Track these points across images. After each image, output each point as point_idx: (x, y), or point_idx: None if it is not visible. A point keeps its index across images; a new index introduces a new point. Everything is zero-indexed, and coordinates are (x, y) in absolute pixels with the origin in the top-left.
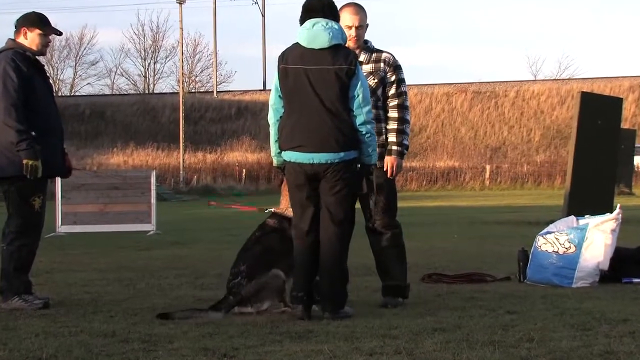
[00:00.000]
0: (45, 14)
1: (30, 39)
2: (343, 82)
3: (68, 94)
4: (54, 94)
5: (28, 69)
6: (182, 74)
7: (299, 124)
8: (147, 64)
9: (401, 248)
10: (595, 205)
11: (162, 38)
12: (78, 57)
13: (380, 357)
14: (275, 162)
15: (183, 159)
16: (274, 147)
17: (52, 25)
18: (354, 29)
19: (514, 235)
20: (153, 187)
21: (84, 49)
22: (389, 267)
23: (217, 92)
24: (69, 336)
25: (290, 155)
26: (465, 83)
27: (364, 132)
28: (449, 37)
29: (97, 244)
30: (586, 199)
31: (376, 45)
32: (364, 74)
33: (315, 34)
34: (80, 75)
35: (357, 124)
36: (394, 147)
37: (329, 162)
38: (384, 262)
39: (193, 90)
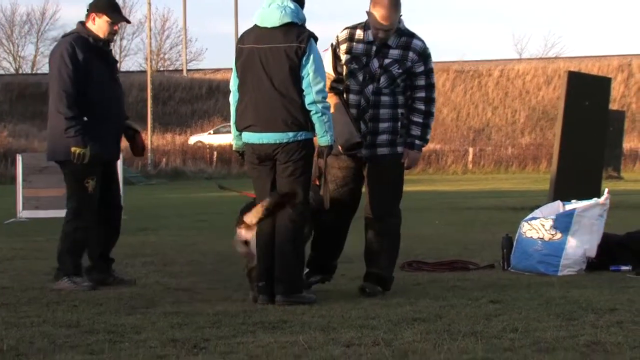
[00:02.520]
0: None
1: (98, 25)
2: (293, 62)
3: (29, 72)
4: (116, 80)
5: (87, 55)
6: (150, 51)
7: (250, 104)
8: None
9: (395, 239)
10: (583, 190)
11: (128, 13)
12: (40, 33)
13: (358, 349)
14: (234, 146)
15: (151, 141)
16: (233, 130)
17: (122, 12)
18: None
19: (497, 221)
20: (120, 170)
21: (47, 24)
22: (377, 256)
23: (187, 70)
24: (31, 327)
25: (243, 136)
26: (447, 62)
27: (314, 112)
28: (430, 14)
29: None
30: (573, 183)
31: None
32: (389, 60)
33: (268, 13)
34: (42, 52)
35: (307, 104)
36: (417, 142)
37: (277, 142)
38: (374, 249)
39: (162, 69)
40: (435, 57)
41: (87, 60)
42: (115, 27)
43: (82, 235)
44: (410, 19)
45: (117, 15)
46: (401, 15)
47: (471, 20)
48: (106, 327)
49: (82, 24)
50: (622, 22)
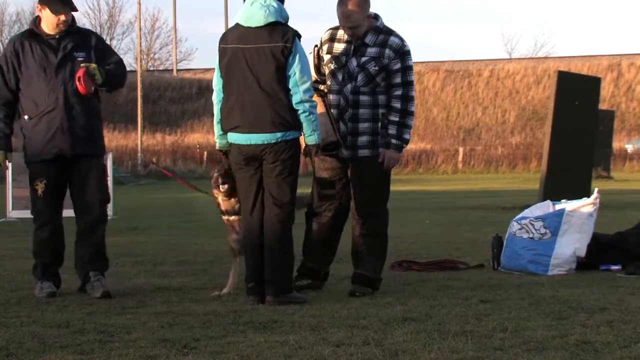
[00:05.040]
0: None
1: (45, 18)
2: (279, 61)
3: None
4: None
5: (22, 50)
6: (140, 51)
7: (236, 105)
8: None
9: (381, 240)
10: (573, 190)
11: (118, 13)
12: None
13: (348, 348)
14: (217, 145)
15: (141, 141)
16: (216, 129)
17: (65, 0)
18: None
19: (487, 220)
20: (109, 171)
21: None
22: (364, 257)
23: (177, 70)
24: (20, 327)
25: (229, 137)
26: (437, 61)
27: (301, 111)
28: (420, 13)
29: None
30: (563, 183)
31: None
32: (367, 58)
33: (252, 12)
34: None
35: (294, 103)
36: (393, 141)
37: (265, 142)
38: (360, 250)
39: (152, 69)
40: (426, 56)
41: (22, 55)
42: (62, 17)
43: (39, 239)
44: (400, 19)
45: (57, 6)
46: (374, 14)
47: (461, 20)
48: (96, 327)
49: (35, 18)
50: (611, 22)
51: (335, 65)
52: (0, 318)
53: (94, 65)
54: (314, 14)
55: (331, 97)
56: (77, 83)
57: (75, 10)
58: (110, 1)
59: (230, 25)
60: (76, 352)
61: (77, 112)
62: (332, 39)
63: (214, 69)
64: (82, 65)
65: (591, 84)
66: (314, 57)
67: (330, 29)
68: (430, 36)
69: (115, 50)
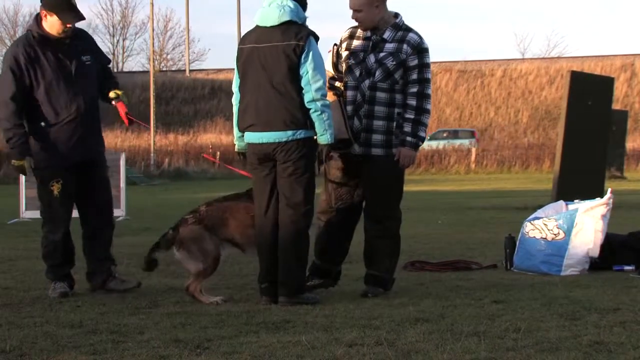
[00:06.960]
0: None
1: (50, 23)
2: (292, 60)
3: None
4: (82, 75)
5: (36, 56)
6: (153, 51)
7: (251, 104)
8: (115, 41)
9: (394, 240)
10: (586, 190)
11: (131, 14)
12: None
13: (361, 349)
14: (236, 147)
15: (154, 141)
16: (235, 131)
17: (75, 8)
18: (352, 12)
19: (500, 221)
20: (122, 171)
21: None
22: (376, 257)
23: (190, 70)
24: (34, 327)
25: (245, 136)
26: (450, 61)
27: (313, 110)
28: (433, 13)
29: None
30: (576, 183)
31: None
32: (384, 53)
33: (268, 13)
34: None
35: (306, 102)
36: (408, 138)
37: (276, 141)
38: (372, 251)
39: (164, 69)
40: (439, 56)
41: (36, 61)
42: (68, 25)
43: (51, 240)
44: (413, 19)
45: (67, 16)
46: (395, 13)
47: (474, 20)
48: (109, 327)
49: (36, 19)
50: (625, 21)
51: (353, 61)
52: (13, 318)
53: (120, 92)
54: (335, 14)
55: (348, 93)
56: (126, 119)
57: (84, 18)
58: (123, 2)
59: (243, 25)
60: (89, 352)
61: (90, 120)
62: (352, 36)
63: (227, 69)
64: (114, 102)
65: (604, 84)
66: (333, 55)
67: (351, 27)
68: (442, 36)
69: (128, 50)
